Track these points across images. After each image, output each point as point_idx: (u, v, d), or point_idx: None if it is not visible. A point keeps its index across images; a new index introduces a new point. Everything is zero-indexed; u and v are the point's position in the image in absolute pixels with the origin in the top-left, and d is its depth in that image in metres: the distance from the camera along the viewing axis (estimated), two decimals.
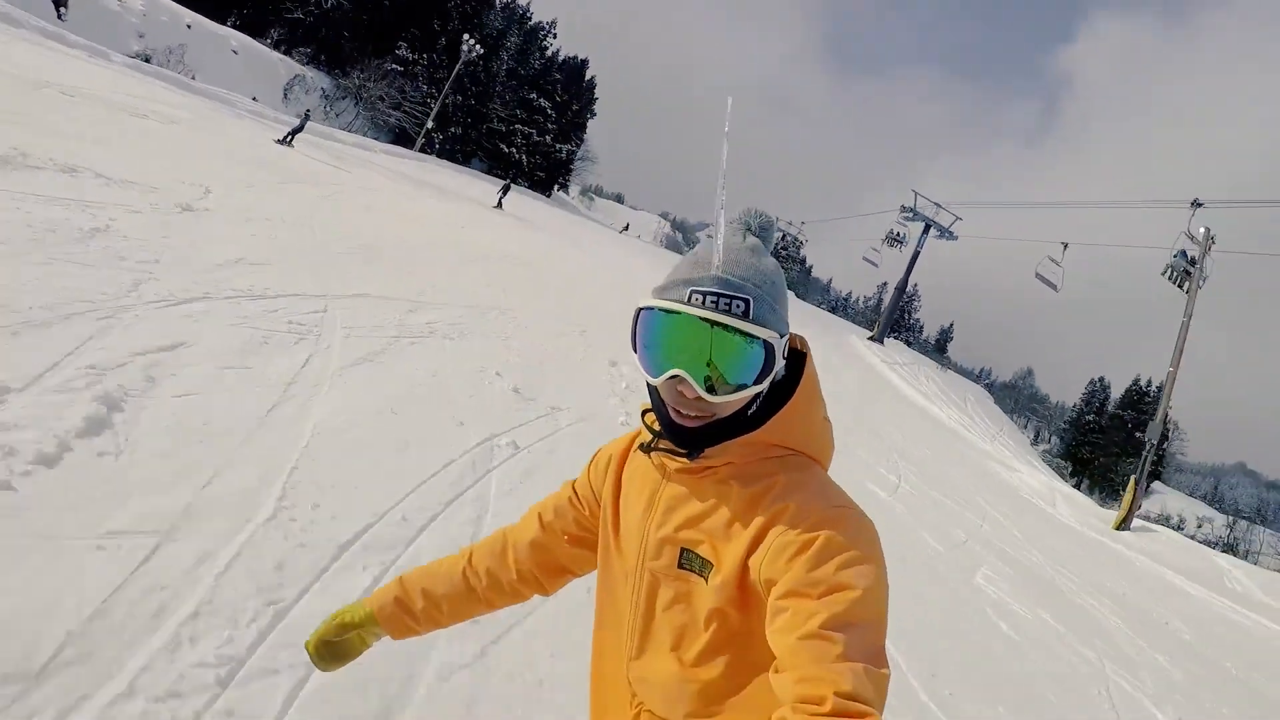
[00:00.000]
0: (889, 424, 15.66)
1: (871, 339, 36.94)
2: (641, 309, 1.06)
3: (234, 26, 39.15)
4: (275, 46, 42.16)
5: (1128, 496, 14.95)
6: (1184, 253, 20.03)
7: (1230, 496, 75.56)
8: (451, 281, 9.11)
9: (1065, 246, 27.69)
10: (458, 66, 45.83)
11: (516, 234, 19.59)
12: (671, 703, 1.17)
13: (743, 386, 1.03)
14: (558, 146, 63.17)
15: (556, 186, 65.50)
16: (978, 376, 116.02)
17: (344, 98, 43.09)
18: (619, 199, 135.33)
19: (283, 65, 39.85)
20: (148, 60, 26.90)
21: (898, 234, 39.06)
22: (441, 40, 50.40)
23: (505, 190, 27.48)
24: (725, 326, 0.99)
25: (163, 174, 7.88)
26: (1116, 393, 73.96)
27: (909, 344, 66.89)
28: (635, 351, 1.07)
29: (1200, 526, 55.01)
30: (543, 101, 61.48)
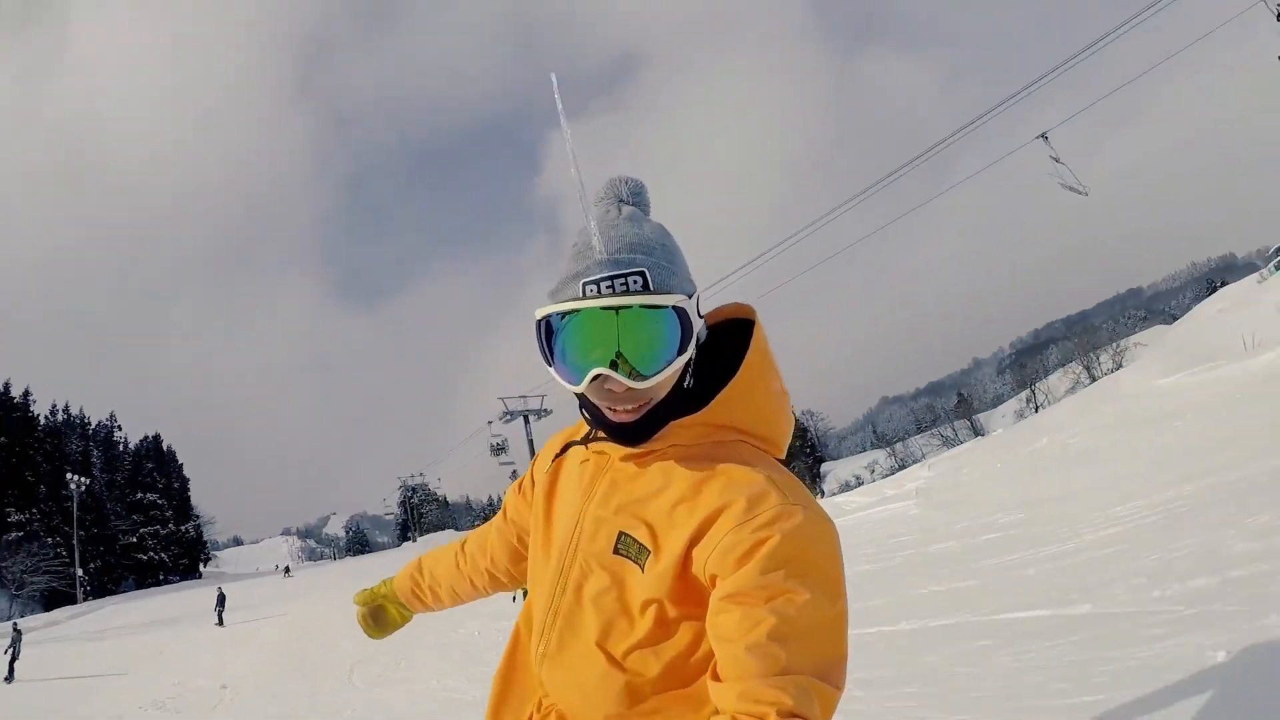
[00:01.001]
0: None
1: None
2: (540, 319, 0.97)
3: None
4: None
5: None
6: None
7: (888, 428, 78.37)
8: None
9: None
10: (74, 505, 47.24)
11: (304, 629, 19.21)
12: (592, 702, 1.06)
13: (668, 362, 0.95)
14: (182, 528, 63.86)
15: (202, 564, 65.20)
16: None
17: None
18: (237, 540, 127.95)
19: None
20: None
21: (499, 443, 41.70)
22: (41, 488, 50.48)
23: (221, 602, 25.41)
24: (630, 307, 0.93)
25: None
26: None
27: None
28: (550, 365, 0.98)
29: (873, 471, 59.03)
30: (149, 496, 62.68)
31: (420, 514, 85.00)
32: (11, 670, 16.21)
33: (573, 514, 1.13)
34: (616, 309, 0.92)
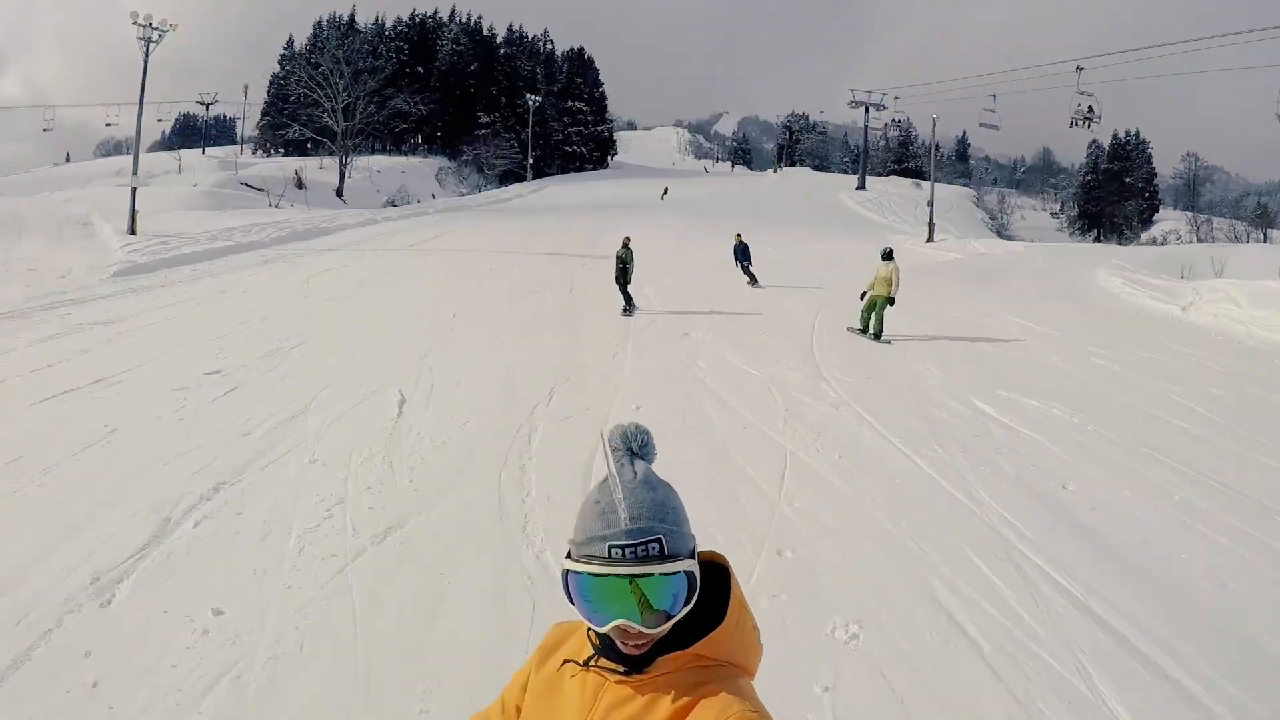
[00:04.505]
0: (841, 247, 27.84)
1: (857, 189, 55.52)
2: (568, 571, 1.13)
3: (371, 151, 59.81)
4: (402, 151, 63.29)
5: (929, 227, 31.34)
6: (1079, 105, 28.56)
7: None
8: None
9: (995, 97, 37.90)
10: (530, 115, 65.33)
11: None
12: None
13: (678, 614, 1.12)
14: (598, 129, 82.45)
15: (610, 157, 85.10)
16: (1013, 167, 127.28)
17: (463, 167, 64.05)
18: (631, 125, 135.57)
19: (425, 165, 60.74)
20: (394, 204, 45.35)
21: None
22: (501, 99, 70.38)
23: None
24: (650, 575, 1.08)
25: None
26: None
27: (921, 173, 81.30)
28: (572, 604, 1.13)
29: (1178, 238, 56.08)
30: (577, 104, 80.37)
31: (797, 140, 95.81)
32: (752, 276, 18.18)
33: None
34: (639, 576, 1.08)
